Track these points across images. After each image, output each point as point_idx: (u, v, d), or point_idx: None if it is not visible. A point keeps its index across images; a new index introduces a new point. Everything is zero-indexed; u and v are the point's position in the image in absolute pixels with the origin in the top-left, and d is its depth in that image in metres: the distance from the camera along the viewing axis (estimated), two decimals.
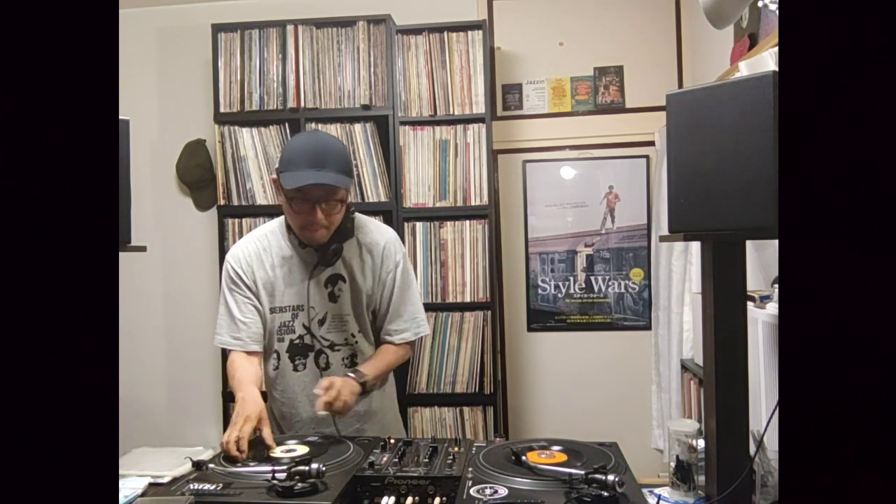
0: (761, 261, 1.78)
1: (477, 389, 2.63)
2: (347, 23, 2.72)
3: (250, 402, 1.43)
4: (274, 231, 1.68)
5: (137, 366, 3.11)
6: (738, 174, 1.03)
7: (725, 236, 1.12)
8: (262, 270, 1.63)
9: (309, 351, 1.65)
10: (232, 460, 1.30)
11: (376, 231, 1.70)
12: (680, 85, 2.95)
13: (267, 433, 1.39)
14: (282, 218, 1.67)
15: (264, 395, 1.62)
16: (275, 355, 1.67)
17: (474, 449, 1.35)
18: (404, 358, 1.73)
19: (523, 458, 1.23)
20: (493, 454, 1.30)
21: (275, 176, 1.58)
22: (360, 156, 2.70)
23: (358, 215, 1.70)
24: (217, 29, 2.79)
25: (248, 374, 1.55)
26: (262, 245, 1.65)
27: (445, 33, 2.69)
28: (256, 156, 2.76)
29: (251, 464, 1.27)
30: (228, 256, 1.66)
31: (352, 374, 1.54)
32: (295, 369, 1.66)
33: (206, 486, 1.14)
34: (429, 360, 2.67)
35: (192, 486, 1.15)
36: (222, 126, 2.77)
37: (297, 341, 1.65)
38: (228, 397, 2.77)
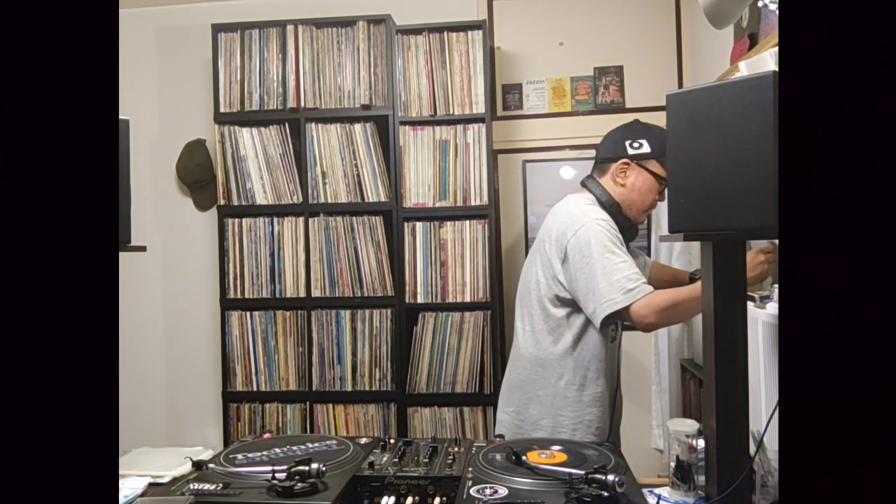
0: None
1: (477, 389, 2.63)
2: (347, 23, 2.72)
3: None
4: (599, 212, 1.72)
5: (137, 366, 3.11)
6: (738, 174, 1.03)
7: (725, 236, 1.12)
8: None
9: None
10: None
11: None
12: (680, 85, 2.95)
13: None
14: (593, 204, 1.73)
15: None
16: (613, 327, 1.75)
17: (474, 449, 1.35)
18: None
19: (523, 458, 1.23)
20: (493, 454, 1.30)
21: (627, 161, 1.72)
22: (360, 156, 2.70)
23: None
24: (217, 29, 2.79)
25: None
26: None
27: (445, 33, 2.69)
28: (256, 156, 2.76)
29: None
30: (597, 218, 1.67)
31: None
32: (612, 340, 1.77)
33: (206, 486, 1.15)
34: (429, 360, 2.67)
35: (192, 486, 1.15)
36: (222, 126, 2.77)
37: None
38: (228, 397, 2.77)
